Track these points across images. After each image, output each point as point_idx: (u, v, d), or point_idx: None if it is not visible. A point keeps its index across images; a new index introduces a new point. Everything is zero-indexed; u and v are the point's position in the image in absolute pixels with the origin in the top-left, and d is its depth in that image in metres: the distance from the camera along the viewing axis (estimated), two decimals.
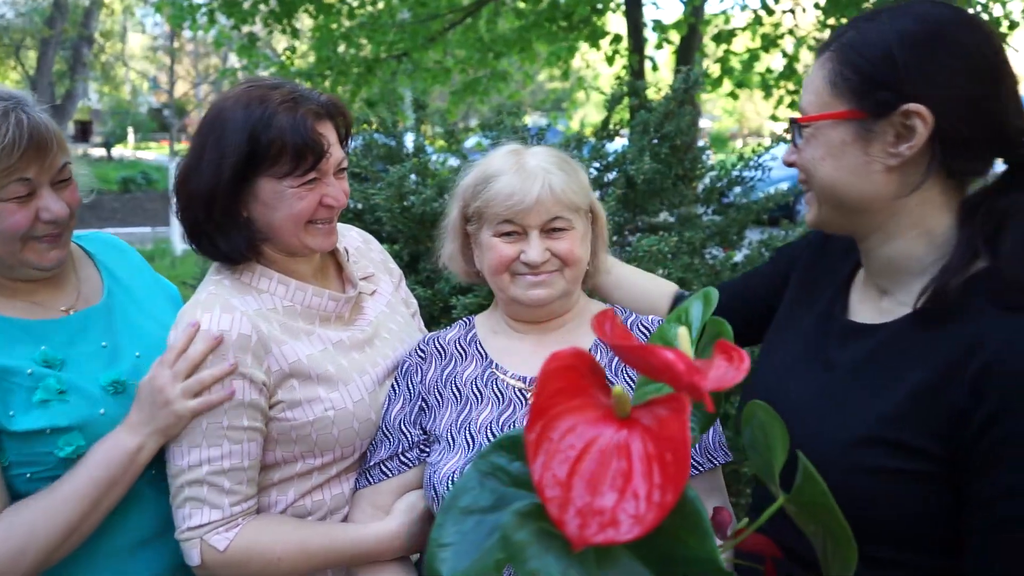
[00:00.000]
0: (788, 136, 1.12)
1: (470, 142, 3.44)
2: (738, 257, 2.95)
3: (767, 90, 5.50)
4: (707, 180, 2.94)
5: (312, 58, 6.81)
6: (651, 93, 3.29)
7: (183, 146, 19.36)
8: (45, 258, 1.28)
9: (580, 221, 1.37)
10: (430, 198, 2.62)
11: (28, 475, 1.24)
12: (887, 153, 1.00)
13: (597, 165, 2.94)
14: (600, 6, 5.57)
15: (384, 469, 1.39)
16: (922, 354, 0.98)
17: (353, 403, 1.37)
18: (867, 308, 1.11)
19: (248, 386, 1.29)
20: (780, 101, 5.56)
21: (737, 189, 2.81)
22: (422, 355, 1.44)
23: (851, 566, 0.71)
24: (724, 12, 5.59)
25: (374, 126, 3.04)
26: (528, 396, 1.34)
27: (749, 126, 35.58)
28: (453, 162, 3.21)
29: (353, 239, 1.62)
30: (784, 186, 2.83)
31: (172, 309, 1.45)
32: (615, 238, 2.77)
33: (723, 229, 2.84)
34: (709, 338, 0.81)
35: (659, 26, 5.22)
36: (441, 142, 3.62)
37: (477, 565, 0.74)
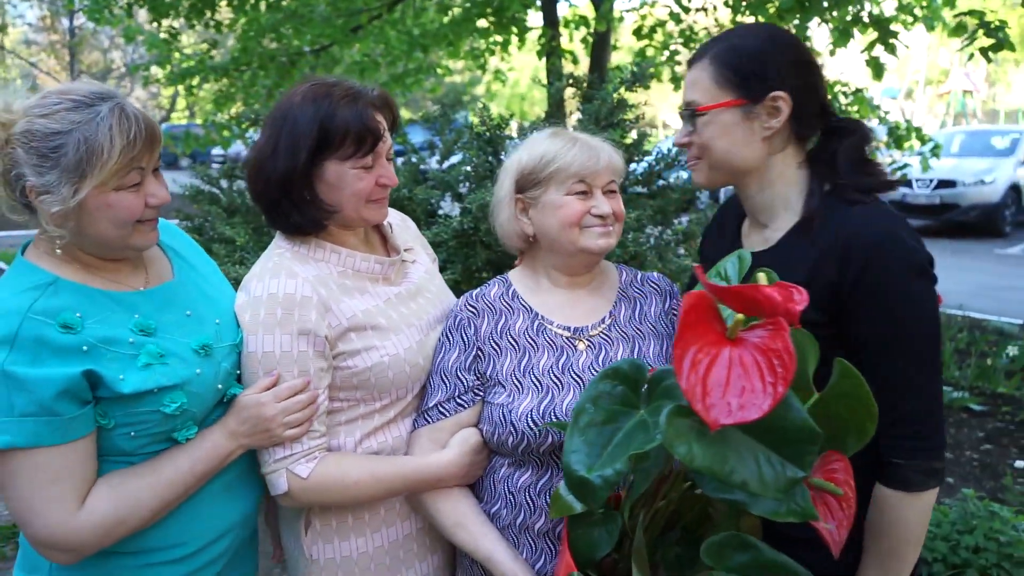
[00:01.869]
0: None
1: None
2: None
3: (678, 83, 5.88)
4: (645, 163, 3.21)
5: (214, 52, 6.75)
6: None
7: None
8: (148, 239, 1.41)
9: None
10: (401, 185, 2.78)
11: (132, 433, 1.36)
12: (763, 128, 1.44)
13: None
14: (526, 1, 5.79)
15: (442, 410, 1.58)
16: (805, 253, 1.40)
17: (404, 350, 1.57)
18: (755, 241, 1.54)
19: (314, 340, 1.47)
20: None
21: (679, 173, 3.09)
22: (473, 310, 1.63)
23: (870, 433, 1.01)
24: (642, 7, 5.92)
25: None
26: (575, 343, 1.58)
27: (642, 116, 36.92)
28: None
29: (393, 216, 1.80)
30: None
31: (227, 281, 1.61)
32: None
33: (662, 208, 3.11)
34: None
35: (583, 20, 5.49)
36: None
37: (607, 461, 1.01)
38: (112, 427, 1.35)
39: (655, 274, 1.74)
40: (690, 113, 1.48)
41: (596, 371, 1.53)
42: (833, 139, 1.47)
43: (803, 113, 1.43)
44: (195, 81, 6.43)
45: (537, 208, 1.60)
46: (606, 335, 1.60)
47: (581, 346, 1.58)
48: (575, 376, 1.55)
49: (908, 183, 11.34)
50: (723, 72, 1.44)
